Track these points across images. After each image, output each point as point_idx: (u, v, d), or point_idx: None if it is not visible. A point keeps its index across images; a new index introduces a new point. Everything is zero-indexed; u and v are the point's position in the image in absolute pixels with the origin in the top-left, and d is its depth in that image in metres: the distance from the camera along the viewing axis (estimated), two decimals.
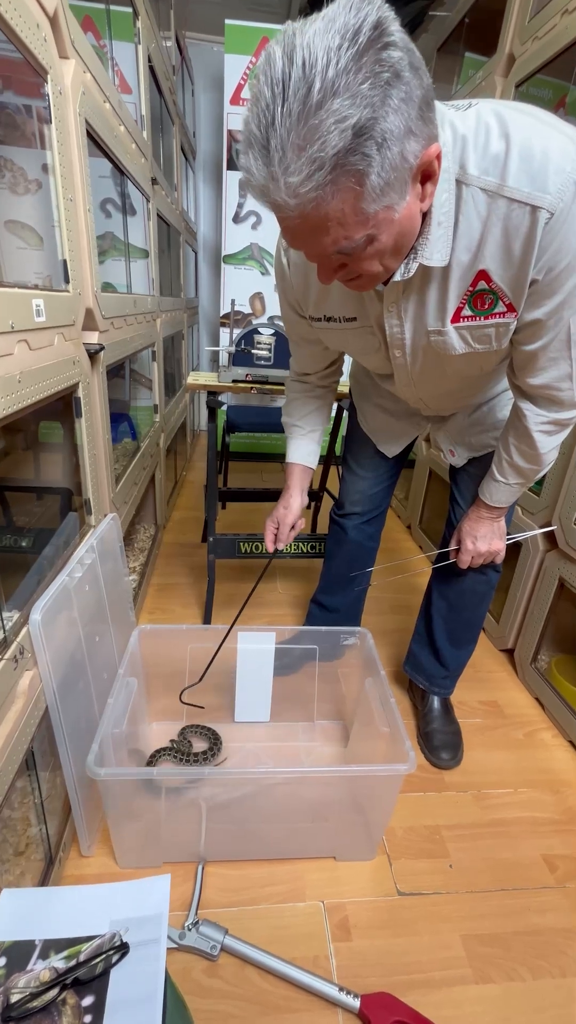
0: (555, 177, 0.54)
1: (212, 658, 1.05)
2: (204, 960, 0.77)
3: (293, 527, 1.05)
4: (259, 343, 1.54)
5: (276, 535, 1.06)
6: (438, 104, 0.57)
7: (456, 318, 0.68)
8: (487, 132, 0.56)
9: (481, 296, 0.65)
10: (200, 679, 1.06)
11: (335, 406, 1.78)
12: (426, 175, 0.53)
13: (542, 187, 0.55)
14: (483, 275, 0.63)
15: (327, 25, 0.42)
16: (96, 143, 1.02)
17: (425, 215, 0.59)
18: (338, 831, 0.91)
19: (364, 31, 0.42)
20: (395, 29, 0.44)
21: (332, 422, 1.90)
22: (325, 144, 0.43)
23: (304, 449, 1.06)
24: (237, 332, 1.64)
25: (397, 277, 0.63)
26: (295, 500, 1.06)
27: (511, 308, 0.65)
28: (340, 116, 0.42)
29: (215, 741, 1.09)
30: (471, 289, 0.65)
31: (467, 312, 0.67)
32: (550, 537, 1.30)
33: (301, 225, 0.51)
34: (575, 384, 0.72)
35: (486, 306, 0.66)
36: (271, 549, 1.06)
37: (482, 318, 0.67)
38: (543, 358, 0.70)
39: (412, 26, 2.53)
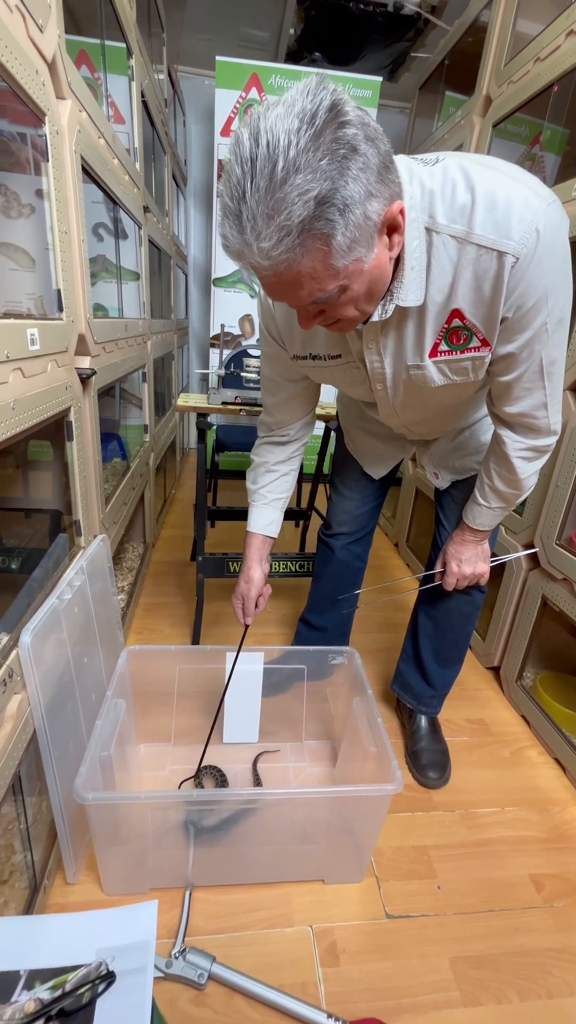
0: (518, 225, 0.59)
1: (210, 735, 1.04)
2: (191, 989, 0.76)
3: (261, 596, 1.03)
4: (248, 366, 1.57)
5: (244, 610, 1.04)
6: (407, 160, 0.62)
7: (434, 353, 0.72)
8: (453, 186, 0.60)
9: (456, 332, 0.69)
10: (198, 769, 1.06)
11: (323, 427, 1.82)
12: (391, 228, 0.57)
13: (506, 234, 0.59)
14: (457, 313, 0.67)
15: (287, 110, 0.47)
16: (91, 176, 1.06)
17: (398, 261, 0.63)
18: (326, 853, 0.91)
19: (320, 114, 0.47)
20: (349, 109, 0.49)
21: (320, 441, 1.94)
22: (291, 214, 0.48)
23: (266, 518, 1.04)
24: (227, 353, 1.67)
25: (375, 318, 0.67)
26: (255, 573, 1.03)
27: (485, 343, 0.69)
28: (303, 189, 0.47)
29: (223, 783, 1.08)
30: (446, 326, 0.69)
31: (444, 347, 0.71)
32: (533, 556, 1.33)
33: (277, 281, 0.56)
34: (550, 412, 0.76)
35: (461, 341, 0.69)
36: (242, 623, 1.04)
37: (458, 352, 0.71)
38: (518, 388, 0.73)
39: (395, 66, 2.65)
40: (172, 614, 1.69)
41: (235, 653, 1.05)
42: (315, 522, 2.04)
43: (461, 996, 0.79)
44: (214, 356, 1.59)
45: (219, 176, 2.75)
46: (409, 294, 0.65)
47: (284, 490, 1.05)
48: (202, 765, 1.07)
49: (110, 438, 1.85)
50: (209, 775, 1.09)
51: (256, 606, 1.04)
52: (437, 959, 0.83)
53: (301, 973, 0.80)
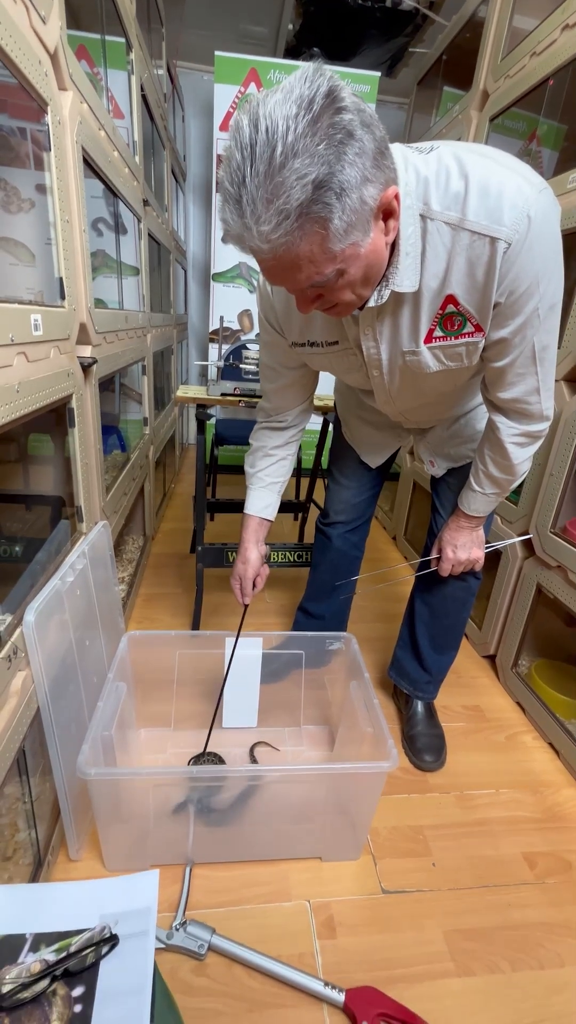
0: (510, 212, 0.60)
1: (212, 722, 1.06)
2: (192, 960, 0.78)
3: (259, 576, 1.05)
4: (247, 358, 1.58)
5: (242, 590, 1.06)
6: (403, 148, 0.64)
7: (429, 339, 0.73)
8: (447, 173, 0.62)
9: (451, 318, 0.70)
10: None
11: (321, 421, 1.83)
12: (387, 213, 0.59)
13: (498, 220, 0.61)
14: (451, 299, 0.68)
15: (285, 96, 0.49)
16: (91, 168, 1.07)
17: (394, 247, 0.64)
18: (323, 832, 0.93)
19: (317, 100, 0.49)
20: (346, 95, 0.51)
21: (318, 435, 1.95)
22: (290, 198, 0.50)
23: (263, 501, 1.05)
24: (226, 348, 1.68)
25: (371, 303, 0.68)
26: (252, 554, 1.05)
27: (478, 328, 0.71)
28: (301, 173, 0.49)
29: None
30: (441, 312, 0.70)
31: (439, 333, 0.72)
32: (528, 545, 1.35)
33: (276, 265, 0.58)
34: (542, 398, 0.78)
35: (456, 327, 0.71)
36: (241, 603, 1.06)
37: (452, 338, 0.72)
38: (511, 373, 0.75)
39: (393, 61, 2.66)
40: (172, 604, 1.71)
41: (234, 636, 1.07)
42: (313, 514, 2.06)
43: (455, 967, 0.81)
44: (213, 351, 1.60)
45: (218, 171, 2.76)
46: (404, 280, 0.66)
47: (281, 474, 1.06)
48: (203, 751, 1.09)
49: (110, 431, 1.86)
50: (207, 762, 1.11)
51: (254, 586, 1.05)
52: (432, 932, 0.85)
53: (298, 945, 0.82)
